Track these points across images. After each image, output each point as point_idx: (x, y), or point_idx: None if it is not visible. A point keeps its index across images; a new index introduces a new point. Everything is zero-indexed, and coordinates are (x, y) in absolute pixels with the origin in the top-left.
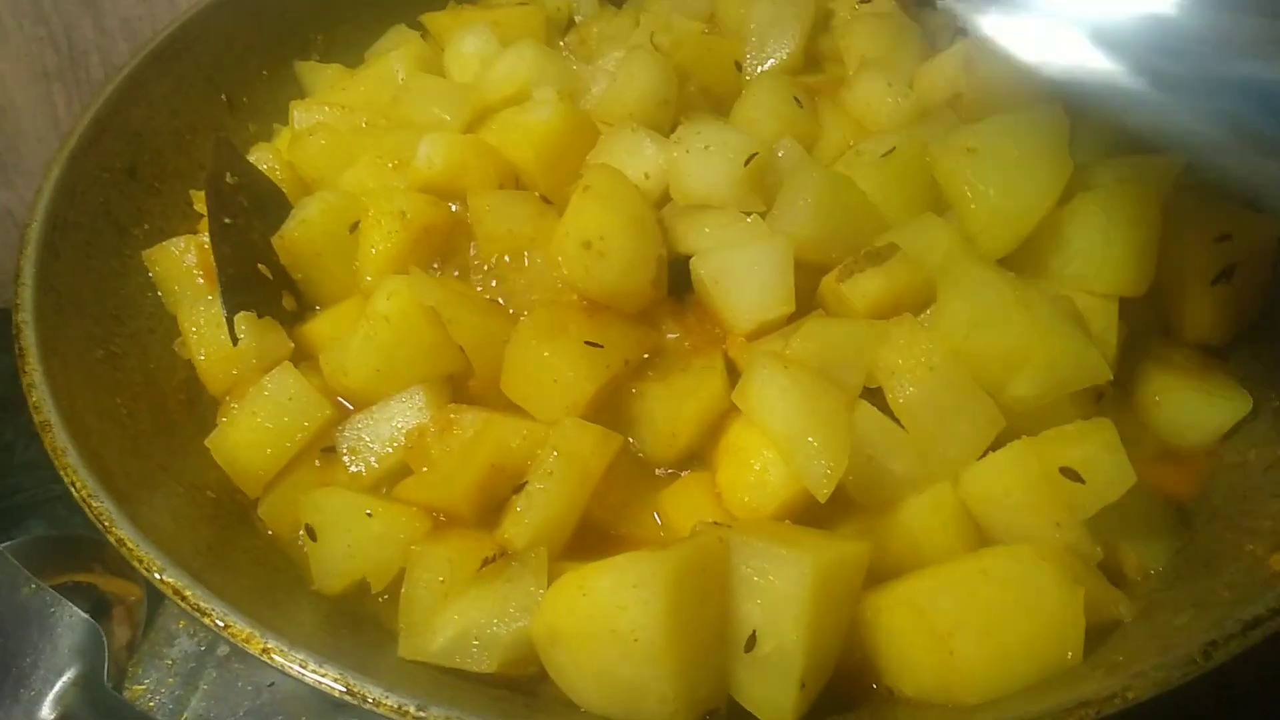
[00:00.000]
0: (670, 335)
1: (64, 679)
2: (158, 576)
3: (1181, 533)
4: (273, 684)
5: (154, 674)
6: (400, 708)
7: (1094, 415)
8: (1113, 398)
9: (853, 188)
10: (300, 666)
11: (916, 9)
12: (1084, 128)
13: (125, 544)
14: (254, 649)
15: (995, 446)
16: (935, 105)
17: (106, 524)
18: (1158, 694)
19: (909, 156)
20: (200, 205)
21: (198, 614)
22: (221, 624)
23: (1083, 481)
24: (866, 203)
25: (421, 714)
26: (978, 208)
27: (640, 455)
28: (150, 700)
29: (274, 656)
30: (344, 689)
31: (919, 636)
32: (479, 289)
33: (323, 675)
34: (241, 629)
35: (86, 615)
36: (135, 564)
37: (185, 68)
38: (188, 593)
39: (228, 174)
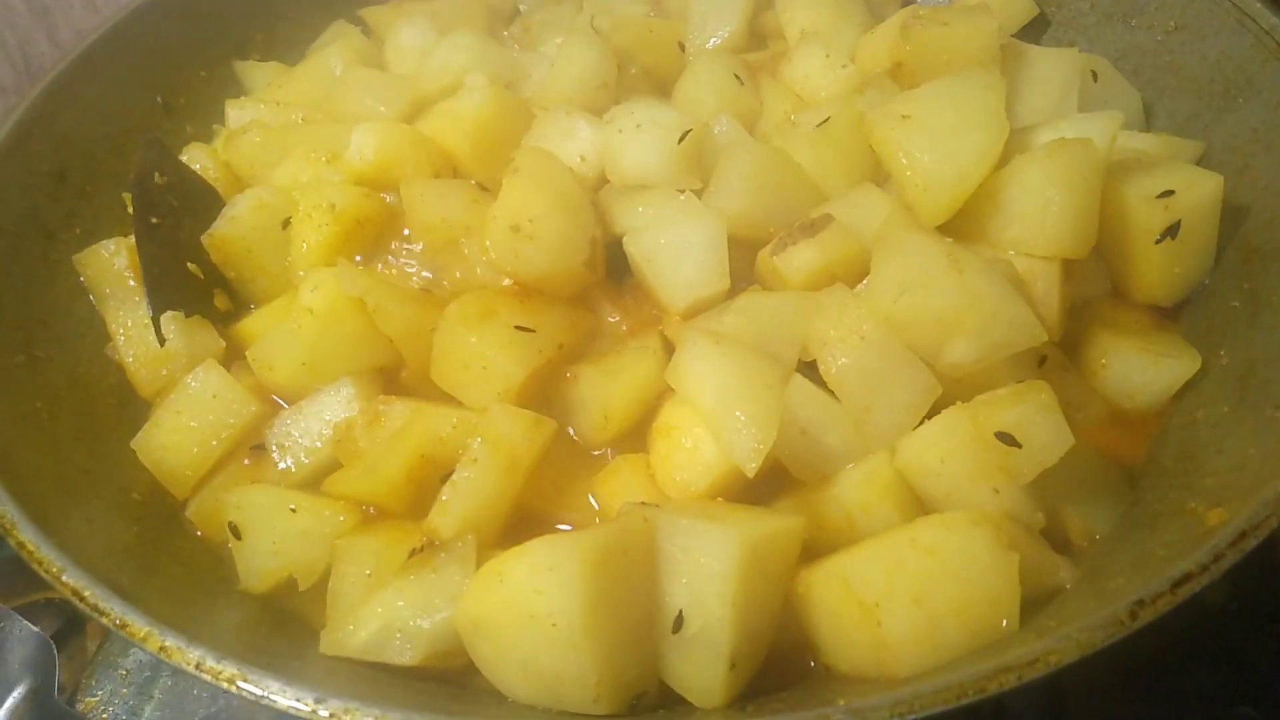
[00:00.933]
0: (609, 318)
1: (14, 694)
2: (59, 579)
3: (1128, 495)
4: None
5: (108, 685)
6: (298, 701)
7: (1035, 379)
8: (1059, 362)
9: (788, 161)
10: (196, 666)
11: None
12: (1024, 91)
13: (25, 547)
14: (151, 647)
15: (936, 415)
16: (876, 76)
17: (7, 527)
18: (1083, 656)
19: (844, 126)
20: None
21: (96, 614)
22: (119, 623)
23: (1019, 445)
24: (802, 175)
25: (320, 707)
26: (913, 174)
27: (577, 439)
28: (104, 712)
29: (172, 655)
30: (242, 684)
31: (849, 610)
32: (415, 279)
33: (218, 672)
34: (140, 627)
35: (36, 630)
36: (35, 567)
37: (117, 71)
38: (86, 593)
39: (156, 174)
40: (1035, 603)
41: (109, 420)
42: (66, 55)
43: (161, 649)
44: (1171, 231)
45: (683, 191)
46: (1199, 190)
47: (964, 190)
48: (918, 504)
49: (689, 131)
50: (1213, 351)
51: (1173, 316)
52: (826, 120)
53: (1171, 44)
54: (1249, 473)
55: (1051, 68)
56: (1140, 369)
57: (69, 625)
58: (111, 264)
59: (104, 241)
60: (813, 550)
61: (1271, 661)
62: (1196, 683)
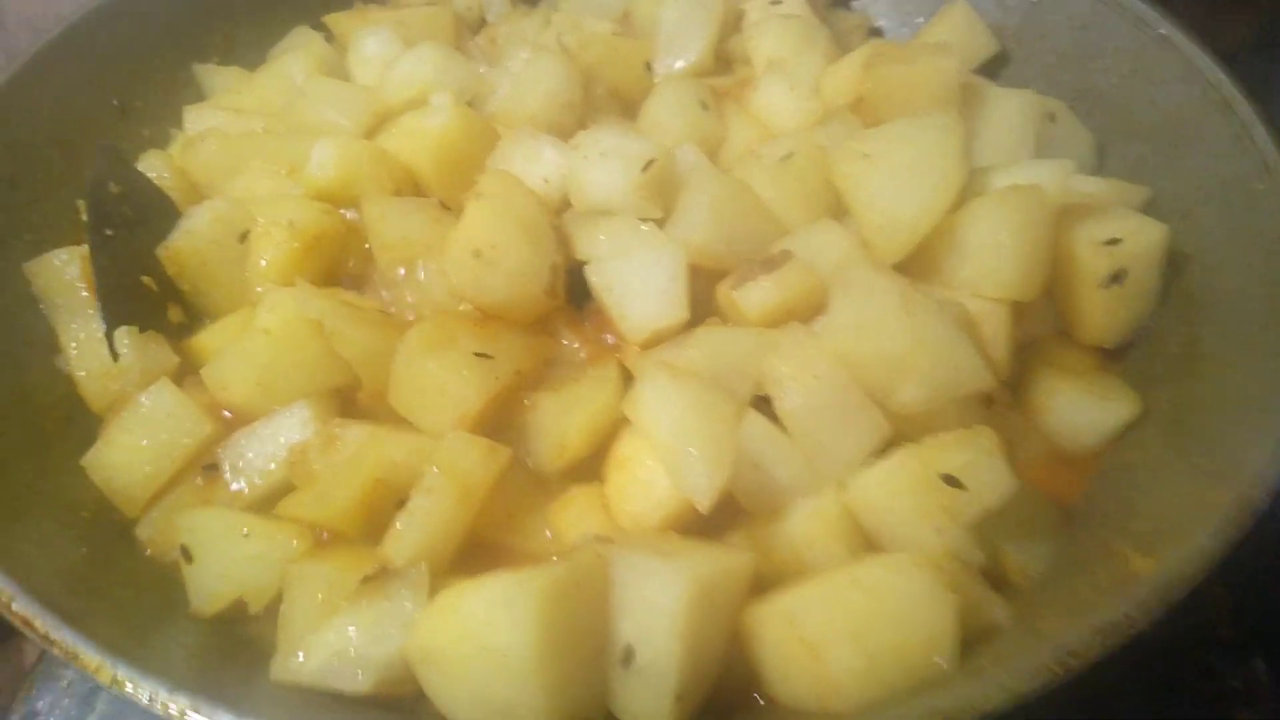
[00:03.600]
0: (568, 344)
1: None
2: (9, 608)
3: (1064, 535)
4: None
5: (49, 695)
6: None
7: (984, 419)
8: (1005, 400)
9: (750, 193)
10: (149, 700)
11: (829, 10)
12: (983, 131)
13: None
14: (104, 679)
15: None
16: (838, 109)
17: None
18: (1013, 704)
19: (806, 161)
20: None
21: (46, 644)
22: (70, 653)
23: (964, 488)
24: (764, 208)
25: None
26: (872, 213)
27: (532, 467)
28: None
29: (126, 687)
30: (192, 714)
31: (792, 647)
32: (373, 299)
33: (168, 705)
34: (91, 658)
35: None
36: None
37: (72, 72)
38: (36, 623)
39: (111, 183)
40: (971, 640)
41: (56, 434)
42: (19, 56)
43: (114, 681)
44: (1117, 277)
45: (645, 221)
46: (1144, 238)
47: (920, 230)
48: (864, 539)
49: (653, 161)
50: (1151, 395)
51: (1115, 358)
52: (789, 155)
53: (1125, 89)
54: (1176, 521)
55: (1010, 109)
56: (1083, 410)
57: (3, 630)
58: (63, 274)
59: (56, 251)
60: (762, 582)
61: (1194, 690)
62: (1127, 713)
